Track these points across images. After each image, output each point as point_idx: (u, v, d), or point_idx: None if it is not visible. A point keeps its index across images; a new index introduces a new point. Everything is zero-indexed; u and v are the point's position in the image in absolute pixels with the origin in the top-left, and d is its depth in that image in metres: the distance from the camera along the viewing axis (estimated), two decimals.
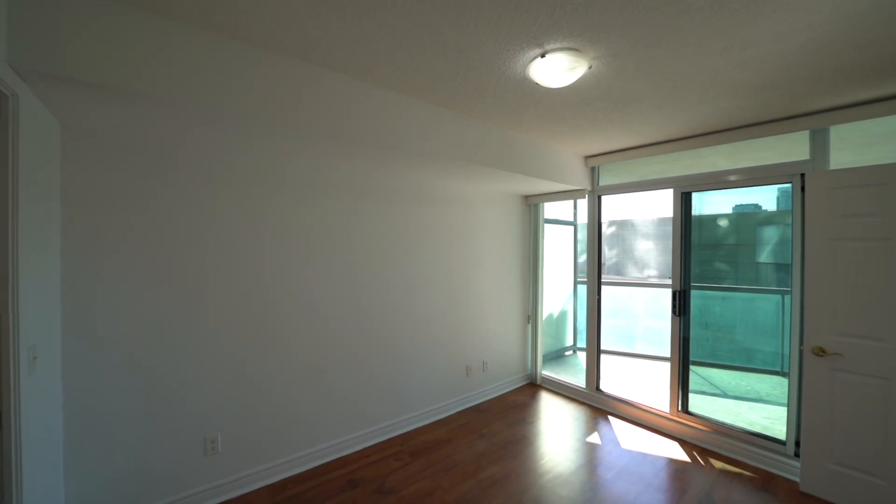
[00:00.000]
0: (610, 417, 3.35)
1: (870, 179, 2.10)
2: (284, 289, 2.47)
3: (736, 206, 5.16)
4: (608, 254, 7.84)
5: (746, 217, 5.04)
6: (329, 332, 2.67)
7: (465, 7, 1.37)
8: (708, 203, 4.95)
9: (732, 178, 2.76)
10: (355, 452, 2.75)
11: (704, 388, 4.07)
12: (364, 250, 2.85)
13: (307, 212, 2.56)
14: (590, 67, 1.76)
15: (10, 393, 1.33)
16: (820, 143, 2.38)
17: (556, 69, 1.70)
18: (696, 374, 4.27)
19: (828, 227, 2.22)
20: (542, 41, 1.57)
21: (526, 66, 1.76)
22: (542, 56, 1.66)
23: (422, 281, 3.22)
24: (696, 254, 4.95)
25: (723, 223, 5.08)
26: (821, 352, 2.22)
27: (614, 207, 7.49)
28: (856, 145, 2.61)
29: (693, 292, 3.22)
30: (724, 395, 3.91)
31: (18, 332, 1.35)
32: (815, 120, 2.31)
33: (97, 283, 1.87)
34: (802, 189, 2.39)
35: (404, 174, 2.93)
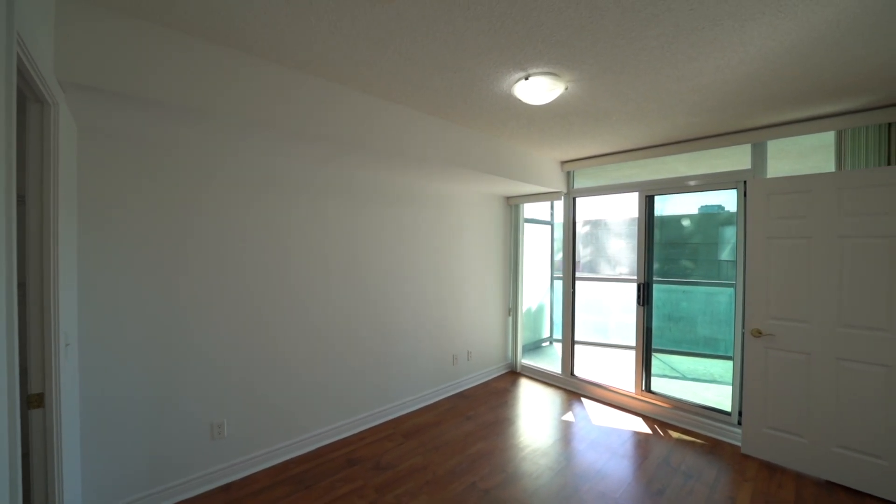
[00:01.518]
0: (583, 399, 3.69)
1: (798, 187, 2.48)
2: (285, 285, 2.63)
3: (701, 206, 5.62)
4: (583, 252, 8.25)
5: (710, 217, 5.51)
6: (327, 326, 2.86)
7: (464, 38, 1.60)
8: (676, 204, 5.39)
9: (689, 183, 3.12)
10: (352, 435, 2.95)
11: (667, 373, 4.50)
12: (360, 248, 3.05)
13: (308, 212, 2.73)
14: (566, 88, 2.04)
15: (53, 375, 1.47)
16: (759, 155, 2.76)
17: (538, 89, 1.96)
18: (661, 361, 4.70)
19: (764, 227, 2.59)
20: (526, 66, 1.83)
21: (511, 85, 2.02)
22: (526, 78, 1.92)
23: (412, 276, 3.44)
24: (665, 251, 5.39)
25: (686, 223, 5.54)
26: (758, 333, 2.60)
27: (589, 208, 7.88)
28: (793, 156, 3.03)
29: (657, 286, 3.60)
30: (684, 378, 4.34)
31: (59, 317, 1.49)
32: (755, 135, 2.69)
33: (110, 277, 1.99)
34: (745, 194, 2.76)
35: (399, 177, 3.14)
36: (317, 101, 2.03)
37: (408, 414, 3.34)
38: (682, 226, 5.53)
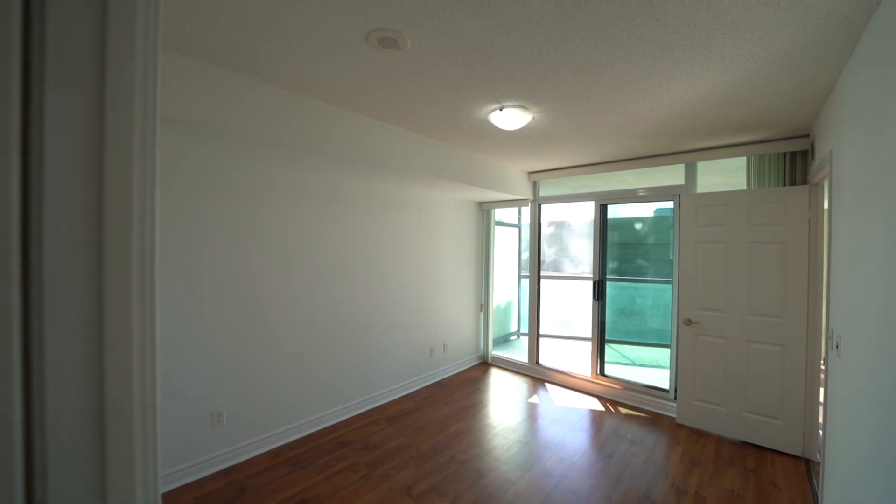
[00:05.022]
0: (547, 384, 4.14)
1: (719, 201, 3.01)
2: (276, 284, 2.86)
3: (656, 209, 6.23)
4: (547, 251, 8.73)
5: (663, 220, 6.14)
6: (316, 322, 3.10)
7: (451, 78, 1.94)
8: (635, 207, 5.92)
9: (636, 194, 3.62)
10: (340, 422, 3.22)
11: (620, 360, 5.06)
12: (346, 250, 3.31)
13: (299, 217, 2.97)
14: (533, 118, 2.43)
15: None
16: (691, 173, 3.29)
17: (510, 118, 2.33)
18: (614, 350, 5.25)
19: (693, 233, 3.12)
20: (500, 100, 2.19)
21: (487, 114, 2.38)
22: (500, 109, 2.28)
23: (394, 275, 3.74)
24: (623, 251, 5.92)
25: (639, 226, 6.13)
26: (688, 322, 3.13)
27: (555, 209, 8.34)
28: (722, 172, 3.61)
29: (610, 283, 4.10)
30: (634, 364, 4.91)
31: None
32: (685, 157, 3.21)
33: None
34: (680, 205, 3.28)
35: (382, 185, 3.42)
36: (314, 119, 2.29)
37: (390, 402, 3.64)
38: (636, 227, 6.11)
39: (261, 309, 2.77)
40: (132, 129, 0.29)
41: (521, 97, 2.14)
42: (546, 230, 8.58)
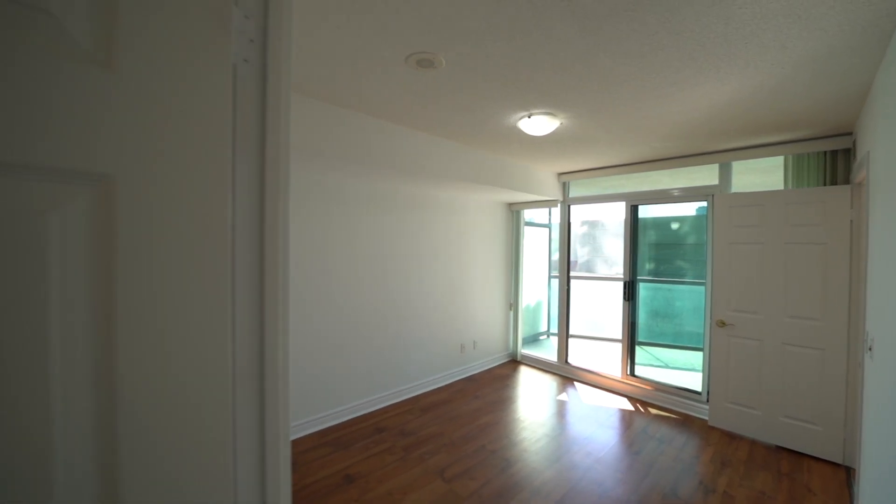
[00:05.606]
0: (576, 383, 4.19)
1: (754, 201, 2.97)
2: (323, 282, 3.13)
3: (698, 208, 6.04)
4: (580, 251, 8.61)
5: (701, 220, 5.94)
6: (355, 317, 3.35)
7: (481, 91, 2.09)
8: (675, 206, 5.75)
9: (667, 195, 3.61)
10: (377, 410, 3.45)
11: (652, 362, 4.99)
12: (382, 250, 3.54)
13: (341, 220, 3.23)
14: (561, 123, 2.53)
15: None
16: (725, 173, 3.25)
17: (538, 125, 2.45)
18: (646, 352, 5.19)
19: (727, 234, 3.09)
20: (528, 108, 2.32)
21: (517, 122, 2.51)
22: (529, 117, 2.41)
23: (427, 273, 3.94)
24: (658, 251, 5.77)
25: (675, 226, 5.97)
26: (722, 323, 3.10)
27: (587, 208, 8.22)
28: (759, 171, 3.54)
29: (644, 284, 4.09)
30: (667, 367, 4.84)
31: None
32: (719, 157, 3.18)
33: None
34: (713, 206, 3.26)
35: (416, 188, 3.63)
36: (354, 130, 2.52)
37: (423, 393, 3.84)
38: (673, 227, 5.93)
39: (309, 304, 3.04)
40: (278, 174, 0.47)
41: (549, 105, 2.26)
42: (579, 230, 8.51)
